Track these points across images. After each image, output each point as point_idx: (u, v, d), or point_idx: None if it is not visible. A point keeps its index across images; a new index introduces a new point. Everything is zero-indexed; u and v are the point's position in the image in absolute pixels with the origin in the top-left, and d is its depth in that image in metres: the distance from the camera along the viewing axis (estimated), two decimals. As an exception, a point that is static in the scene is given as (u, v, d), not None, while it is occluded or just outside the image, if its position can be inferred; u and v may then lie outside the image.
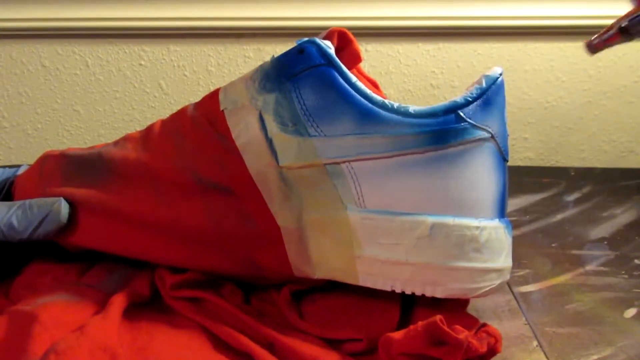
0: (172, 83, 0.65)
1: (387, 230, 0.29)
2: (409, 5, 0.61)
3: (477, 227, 0.28)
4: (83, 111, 0.66)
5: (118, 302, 0.29)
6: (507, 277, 0.30)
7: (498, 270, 0.29)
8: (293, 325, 0.30)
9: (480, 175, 0.29)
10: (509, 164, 0.31)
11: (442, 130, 0.28)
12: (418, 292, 0.29)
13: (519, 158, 0.66)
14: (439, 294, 0.29)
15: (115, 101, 0.65)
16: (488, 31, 0.62)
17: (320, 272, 0.31)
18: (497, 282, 0.30)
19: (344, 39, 0.33)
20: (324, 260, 0.30)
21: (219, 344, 0.29)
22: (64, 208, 0.31)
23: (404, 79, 0.64)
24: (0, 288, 0.34)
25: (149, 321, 0.30)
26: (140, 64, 0.64)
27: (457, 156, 0.28)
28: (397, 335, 0.27)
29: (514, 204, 0.51)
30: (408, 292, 0.29)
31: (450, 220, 0.28)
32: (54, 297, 0.30)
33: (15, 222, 0.31)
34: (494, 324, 0.29)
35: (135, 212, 0.31)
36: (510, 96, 0.63)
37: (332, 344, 0.29)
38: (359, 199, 0.29)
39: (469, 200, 0.29)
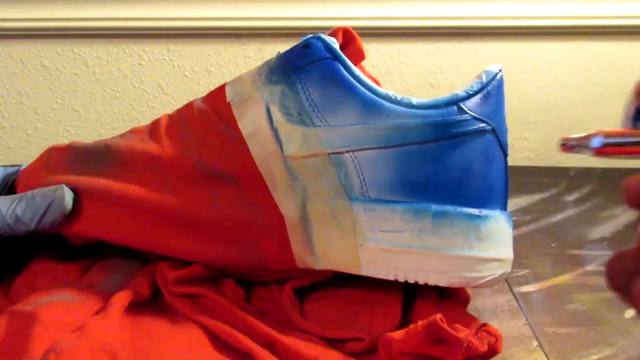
0: (172, 83, 0.65)
1: (390, 219, 0.29)
2: (409, 5, 0.61)
3: (479, 216, 0.29)
4: (83, 111, 0.66)
5: (118, 302, 0.29)
6: (509, 269, 0.31)
7: (500, 260, 0.30)
8: (295, 325, 0.30)
9: (481, 165, 0.29)
10: (509, 163, 0.31)
11: (444, 121, 0.29)
12: (421, 281, 0.29)
13: (519, 158, 0.66)
14: (442, 282, 0.29)
15: (115, 101, 0.65)
16: (488, 31, 0.62)
17: (323, 263, 0.31)
18: (499, 272, 0.30)
19: (347, 37, 0.33)
20: (326, 250, 0.30)
21: (219, 343, 0.29)
22: (67, 194, 0.31)
23: (404, 79, 0.64)
24: (1, 288, 0.34)
25: (149, 321, 0.30)
26: (140, 64, 0.64)
27: (458, 146, 0.29)
28: (397, 334, 0.27)
29: (514, 204, 0.51)
30: (411, 280, 0.29)
31: (452, 209, 0.29)
32: (54, 297, 0.30)
33: (20, 213, 0.31)
34: (494, 324, 0.29)
35: (140, 200, 0.31)
36: (510, 96, 0.63)
37: (334, 343, 0.29)
38: (362, 188, 0.29)
39: (470, 189, 0.29)
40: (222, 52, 0.63)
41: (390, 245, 0.29)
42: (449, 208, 0.29)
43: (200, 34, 0.63)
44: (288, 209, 0.30)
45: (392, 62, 0.63)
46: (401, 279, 0.29)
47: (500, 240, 0.30)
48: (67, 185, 0.32)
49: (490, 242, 0.29)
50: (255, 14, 0.61)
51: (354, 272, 0.30)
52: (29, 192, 0.31)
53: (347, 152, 0.29)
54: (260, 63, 0.33)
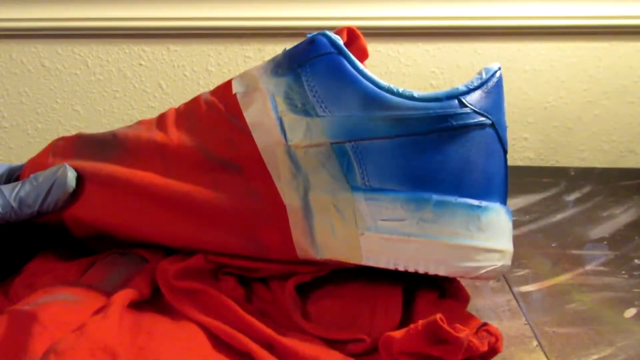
0: (172, 83, 0.65)
1: (391, 208, 0.29)
2: (409, 5, 0.61)
3: (479, 207, 0.29)
4: (83, 111, 0.66)
5: (118, 302, 0.29)
6: (509, 262, 0.31)
7: (500, 251, 0.30)
8: (296, 325, 0.30)
9: (481, 158, 0.30)
10: (509, 163, 0.31)
11: (445, 114, 0.29)
12: (421, 270, 0.29)
13: (519, 158, 0.66)
14: (442, 271, 0.29)
15: (115, 101, 0.65)
16: (488, 31, 0.62)
17: (324, 253, 0.31)
18: (499, 263, 0.30)
19: (352, 35, 0.34)
20: (327, 239, 0.30)
21: (219, 343, 0.29)
22: (69, 172, 0.32)
23: (404, 79, 0.64)
24: (0, 288, 0.34)
25: (149, 320, 0.30)
26: (140, 64, 0.64)
27: (459, 138, 0.29)
28: (398, 334, 0.27)
29: (514, 204, 0.51)
30: (411, 269, 0.29)
31: (453, 198, 0.29)
32: (53, 296, 0.30)
33: (23, 194, 0.31)
34: (494, 324, 0.29)
35: (143, 185, 0.32)
36: (510, 96, 0.63)
37: (335, 344, 0.29)
38: (363, 178, 0.30)
39: (470, 181, 0.29)
40: (222, 52, 0.64)
41: (390, 234, 0.29)
42: (449, 198, 0.29)
43: (200, 34, 0.63)
44: (290, 198, 0.30)
45: (392, 62, 0.63)
46: (401, 268, 0.29)
47: (501, 232, 0.30)
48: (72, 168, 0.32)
49: (490, 233, 0.29)
50: (256, 14, 0.61)
51: (355, 261, 0.30)
52: (32, 175, 0.32)
53: (349, 142, 0.30)
54: (260, 63, 0.33)
